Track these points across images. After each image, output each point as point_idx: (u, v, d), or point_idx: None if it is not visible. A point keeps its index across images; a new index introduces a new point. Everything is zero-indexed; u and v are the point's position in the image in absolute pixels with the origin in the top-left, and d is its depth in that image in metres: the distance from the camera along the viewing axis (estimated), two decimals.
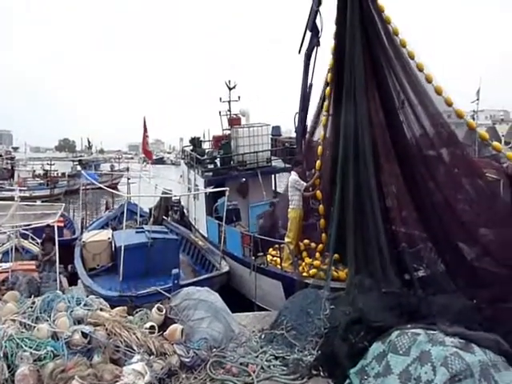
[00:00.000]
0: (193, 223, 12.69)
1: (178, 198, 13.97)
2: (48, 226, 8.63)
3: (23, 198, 12.16)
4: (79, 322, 4.57)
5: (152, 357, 4.25)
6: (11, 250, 8.70)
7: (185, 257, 10.15)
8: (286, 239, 7.47)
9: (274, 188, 12.53)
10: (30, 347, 4.02)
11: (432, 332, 3.58)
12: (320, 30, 8.21)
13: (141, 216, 12.10)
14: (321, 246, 7.22)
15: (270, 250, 8.09)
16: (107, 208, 16.20)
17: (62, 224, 12.53)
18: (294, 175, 7.57)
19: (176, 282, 6.79)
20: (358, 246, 5.69)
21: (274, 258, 7.76)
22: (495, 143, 6.24)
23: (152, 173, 16.68)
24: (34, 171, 34.15)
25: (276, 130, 13.74)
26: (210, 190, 10.47)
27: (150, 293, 6.93)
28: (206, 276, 8.13)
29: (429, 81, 6.22)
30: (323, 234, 7.15)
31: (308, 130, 8.66)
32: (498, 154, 7.19)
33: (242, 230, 9.50)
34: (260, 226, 8.96)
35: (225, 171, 11.62)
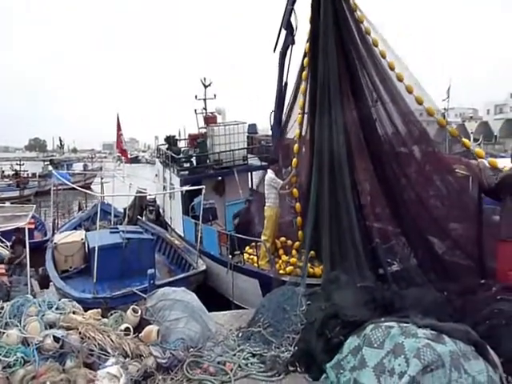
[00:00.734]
0: (169, 223, 12.56)
1: (153, 197, 13.79)
2: (18, 228, 8.35)
3: None
4: (51, 326, 4.43)
5: (127, 359, 4.17)
6: None
7: (161, 257, 10.04)
8: (263, 237, 7.49)
9: (250, 186, 12.54)
10: None
11: (405, 325, 3.66)
12: (295, 28, 8.27)
13: (115, 216, 11.87)
14: (297, 243, 7.28)
15: (247, 248, 8.10)
16: (80, 208, 15.84)
17: (32, 226, 12.09)
18: (270, 173, 7.59)
19: (152, 282, 6.71)
20: (334, 243, 5.77)
21: (251, 257, 7.77)
22: (464, 140, 6.45)
23: (126, 172, 16.38)
24: (3, 172, 32.97)
25: (252, 128, 13.75)
26: (186, 188, 10.38)
27: (125, 294, 6.83)
28: (182, 276, 8.07)
29: (400, 79, 6.37)
30: (299, 232, 7.21)
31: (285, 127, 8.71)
32: (467, 151, 7.46)
33: (218, 228, 9.47)
34: (236, 225, 8.96)
35: (201, 170, 11.55)
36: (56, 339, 4.10)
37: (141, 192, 11.49)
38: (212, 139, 11.75)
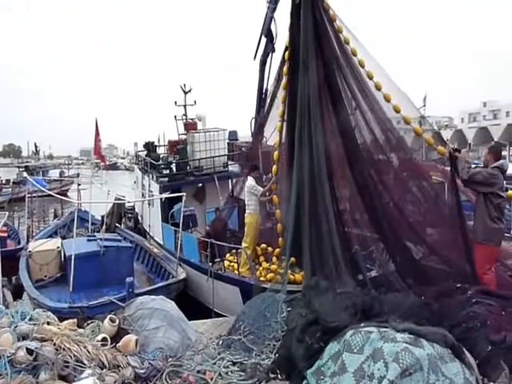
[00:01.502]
0: (148, 230, 12.38)
1: (131, 204, 13.58)
2: None
3: None
4: (24, 337, 4.27)
5: (104, 370, 4.06)
6: None
7: (139, 265, 9.87)
8: (243, 244, 7.47)
9: (231, 193, 12.51)
10: None
11: (384, 329, 3.70)
12: (275, 36, 8.37)
13: (92, 223, 11.62)
14: (278, 250, 7.29)
15: (228, 255, 8.06)
16: (56, 216, 15.43)
17: (5, 234, 11.81)
18: (250, 180, 7.60)
19: (130, 291, 6.59)
20: (313, 249, 5.80)
21: (232, 264, 7.73)
22: (439, 147, 6.64)
23: (105, 179, 16.11)
24: None
25: (233, 135, 13.76)
26: (165, 195, 10.27)
27: (103, 303, 6.66)
28: (161, 284, 7.95)
29: (378, 88, 6.51)
30: (280, 239, 7.23)
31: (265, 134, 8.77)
32: (442, 158, 7.67)
33: (199, 235, 9.39)
34: (207, 232, 8.90)
35: (181, 176, 11.45)
36: (29, 351, 3.96)
37: (119, 199, 11.29)
38: (192, 146, 11.69)
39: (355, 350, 3.60)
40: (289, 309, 4.83)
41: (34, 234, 12.75)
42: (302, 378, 3.92)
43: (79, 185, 14.49)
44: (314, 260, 5.72)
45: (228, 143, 12.62)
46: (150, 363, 4.20)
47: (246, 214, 7.63)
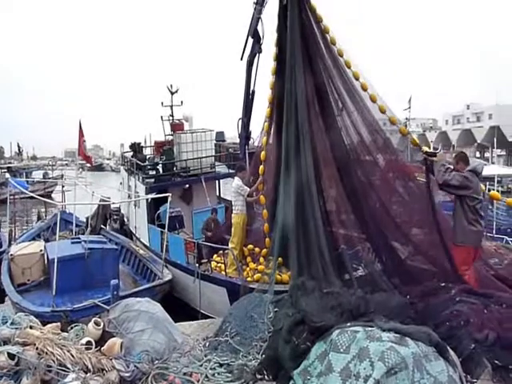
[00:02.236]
0: (133, 232, 12.26)
1: (117, 205, 13.43)
2: None
3: None
4: (5, 342, 4.18)
5: (88, 374, 3.99)
6: None
7: (125, 267, 9.76)
8: (230, 245, 7.46)
9: (218, 194, 12.49)
10: None
11: (370, 329, 3.72)
12: (262, 36, 8.36)
13: (77, 226, 11.44)
14: (265, 250, 7.29)
15: (215, 256, 8.02)
16: (39, 218, 15.15)
17: None
18: (237, 181, 7.59)
19: (115, 293, 6.49)
20: (300, 249, 5.81)
21: (219, 265, 7.70)
22: (424, 148, 6.74)
23: (90, 180, 15.89)
24: None
25: (220, 136, 13.75)
26: (151, 196, 10.18)
27: (87, 306, 6.57)
28: (147, 286, 7.87)
29: (364, 89, 6.57)
30: (267, 239, 7.22)
31: (252, 135, 8.78)
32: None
33: (185, 237, 9.34)
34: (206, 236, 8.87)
35: (167, 177, 11.38)
36: (11, 356, 3.87)
37: (104, 200, 11.15)
38: (179, 146, 11.63)
39: (341, 350, 3.61)
40: (276, 309, 4.82)
41: (16, 236, 12.49)
42: (289, 379, 3.91)
43: (63, 186, 14.27)
44: (301, 260, 5.72)
45: (215, 144, 12.60)
46: (135, 366, 4.14)
47: (232, 215, 7.61)
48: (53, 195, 26.63)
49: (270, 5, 7.38)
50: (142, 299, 5.13)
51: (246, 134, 9.21)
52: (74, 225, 11.23)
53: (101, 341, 4.54)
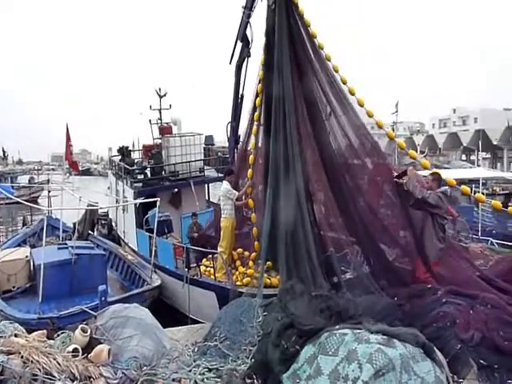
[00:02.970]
0: (122, 237, 12.15)
1: (105, 210, 13.30)
2: None
3: None
4: None
5: (75, 382, 3.92)
6: None
7: (113, 273, 9.66)
8: (219, 249, 7.44)
9: (207, 198, 12.45)
10: None
11: (358, 331, 3.74)
12: (250, 41, 8.39)
13: (64, 231, 11.29)
14: (254, 254, 7.28)
15: (204, 260, 7.99)
16: (25, 224, 14.88)
17: None
18: (225, 184, 7.58)
19: (103, 299, 6.42)
20: (289, 253, 5.82)
21: (208, 269, 7.67)
22: (411, 152, 6.85)
23: (77, 185, 15.70)
24: None
25: (209, 140, 13.72)
26: (139, 201, 10.11)
27: (74, 313, 6.49)
28: (135, 291, 7.80)
29: (352, 93, 6.64)
30: (256, 243, 7.22)
31: (241, 139, 8.78)
32: (414, 162, 7.80)
33: (174, 241, 9.28)
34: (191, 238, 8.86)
35: (156, 181, 11.32)
36: None
37: (92, 205, 11.03)
38: (167, 150, 11.59)
39: (330, 353, 3.63)
40: (265, 313, 4.81)
41: (1, 242, 12.26)
42: (279, 383, 3.91)
43: (50, 191, 14.08)
44: (290, 263, 5.74)
45: (204, 148, 12.57)
46: (123, 373, 4.09)
47: (221, 219, 7.60)
48: (39, 200, 26.17)
49: (259, 9, 7.43)
50: (130, 305, 5.09)
51: (235, 138, 9.22)
52: (61, 230, 11.08)
53: (88, 348, 4.47)
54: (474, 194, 9.40)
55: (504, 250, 9.56)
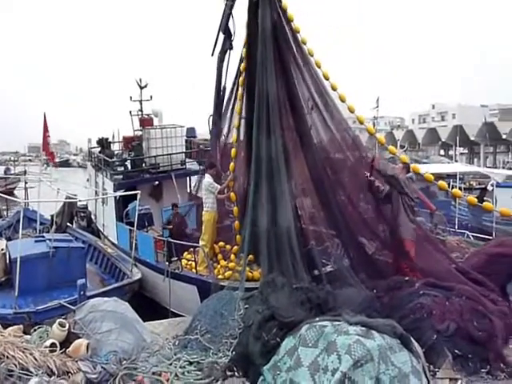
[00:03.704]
0: (101, 230, 11.96)
1: (84, 203, 13.06)
2: None
3: None
4: None
5: (53, 377, 3.87)
6: None
7: (92, 266, 9.50)
8: (201, 242, 7.40)
9: (189, 191, 12.35)
10: None
11: (337, 323, 3.80)
12: (233, 33, 8.30)
13: (41, 224, 11.04)
14: (236, 247, 7.28)
15: (185, 253, 7.95)
16: (0, 216, 14.50)
17: None
18: (207, 178, 7.53)
19: (82, 293, 6.31)
20: (271, 246, 5.85)
21: (189, 262, 7.63)
22: (390, 147, 6.96)
23: (55, 176, 15.35)
24: None
25: (191, 132, 13.56)
26: (119, 193, 9.95)
27: (52, 307, 6.36)
28: (115, 285, 7.70)
29: (334, 89, 6.67)
30: (237, 236, 7.23)
31: (223, 132, 8.72)
32: (393, 157, 7.93)
33: (155, 234, 9.19)
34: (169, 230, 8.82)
35: (136, 174, 11.15)
36: None
37: (70, 197, 10.80)
38: (148, 142, 11.41)
39: (310, 344, 3.67)
40: (246, 306, 4.83)
41: None
42: (259, 375, 3.95)
43: (26, 183, 13.71)
44: (272, 257, 5.77)
45: (186, 140, 12.43)
46: (102, 367, 4.06)
47: (203, 212, 7.55)
48: (15, 192, 25.52)
49: (241, 1, 7.35)
50: (110, 299, 5.04)
51: (217, 131, 9.15)
52: (38, 223, 10.83)
53: (66, 343, 4.42)
54: (452, 188, 9.59)
55: (479, 242, 9.85)
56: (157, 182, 11.52)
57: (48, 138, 12.98)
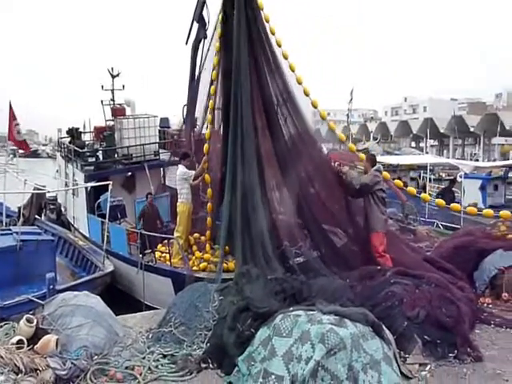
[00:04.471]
0: (72, 222, 11.66)
1: (53, 194, 12.67)
2: None
3: None
4: None
5: (20, 375, 3.74)
6: None
7: (62, 259, 9.24)
8: (176, 234, 7.32)
9: (162, 182, 12.16)
10: None
11: (311, 312, 3.84)
12: (207, 22, 8.15)
13: (7, 216, 10.62)
14: (208, 232, 7.23)
15: (159, 246, 7.84)
16: None
17: None
18: (181, 168, 7.42)
19: (51, 287, 6.11)
20: (245, 237, 5.84)
21: (164, 255, 7.54)
22: (350, 145, 7.30)
23: (22, 167, 14.80)
24: None
25: (164, 122, 13.35)
26: (90, 184, 9.69)
27: (20, 302, 6.12)
28: (86, 278, 7.51)
29: (299, 82, 6.70)
30: (209, 219, 7.21)
31: (198, 122, 8.59)
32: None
33: (128, 226, 9.03)
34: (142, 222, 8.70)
35: (108, 165, 10.89)
36: None
37: (38, 189, 10.43)
38: (120, 132, 11.14)
39: (284, 334, 3.69)
40: (221, 297, 4.81)
41: None
42: (234, 366, 3.95)
43: None
44: (246, 248, 5.76)
45: (159, 130, 12.21)
46: (72, 363, 3.95)
47: (178, 203, 7.45)
48: None
49: None
50: (80, 293, 4.91)
51: (191, 121, 9.01)
52: (4, 215, 10.41)
53: (34, 339, 4.28)
54: (423, 179, 9.80)
55: (447, 231, 10.19)
56: (130, 173, 11.30)
57: (17, 127, 12.44)
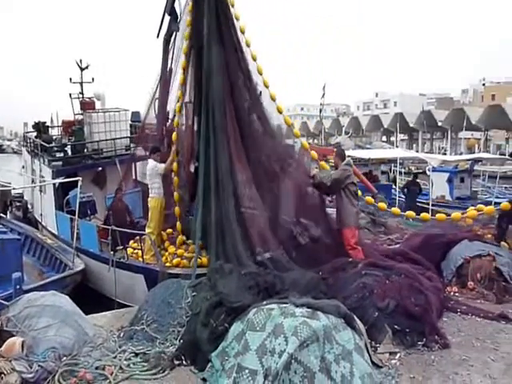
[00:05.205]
0: (39, 220, 11.27)
1: (19, 191, 12.22)
2: None
3: None
4: None
5: None
6: None
7: (30, 259, 8.96)
8: (147, 230, 7.18)
9: (134, 177, 11.91)
10: None
11: (284, 305, 3.85)
12: (179, 14, 7.99)
13: None
14: (178, 224, 7.24)
15: (131, 242, 7.69)
16: None
17: None
18: (151, 162, 7.27)
19: (18, 287, 5.89)
20: (218, 233, 5.80)
21: (136, 251, 7.40)
22: (303, 142, 7.41)
23: None
24: None
25: (136, 116, 13.05)
26: (58, 180, 9.38)
27: None
28: (55, 277, 7.30)
29: (260, 73, 6.75)
30: (176, 208, 7.24)
31: (170, 116, 8.45)
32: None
33: (98, 223, 8.80)
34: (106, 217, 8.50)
35: (77, 160, 10.57)
36: None
37: (3, 185, 10.02)
38: (90, 126, 10.84)
39: (257, 328, 3.69)
40: (194, 293, 4.76)
41: None
42: (207, 362, 3.92)
43: None
44: (218, 243, 5.73)
45: (131, 125, 11.94)
46: (39, 365, 3.82)
47: (149, 199, 7.30)
48: None
49: None
50: (47, 292, 4.74)
51: (163, 115, 8.84)
52: None
53: None
54: (393, 173, 10.00)
55: (417, 224, 10.47)
56: (100, 168, 11.02)
57: None
